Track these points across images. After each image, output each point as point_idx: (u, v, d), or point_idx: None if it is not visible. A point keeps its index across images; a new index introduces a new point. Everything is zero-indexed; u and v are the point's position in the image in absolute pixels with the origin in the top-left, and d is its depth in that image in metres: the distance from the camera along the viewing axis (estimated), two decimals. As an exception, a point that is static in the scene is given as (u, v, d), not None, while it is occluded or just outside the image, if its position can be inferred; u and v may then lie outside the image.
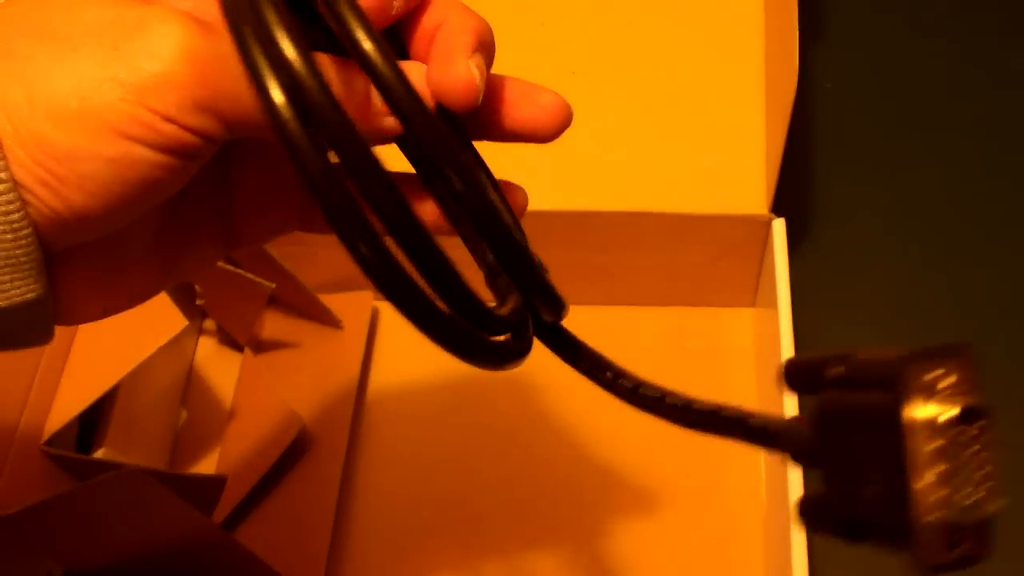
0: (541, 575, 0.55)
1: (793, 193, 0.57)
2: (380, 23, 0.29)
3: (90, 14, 0.27)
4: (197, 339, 0.63)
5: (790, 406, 0.50)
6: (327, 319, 0.59)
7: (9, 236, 0.26)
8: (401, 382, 0.61)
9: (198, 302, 0.61)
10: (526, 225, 0.56)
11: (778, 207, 0.55)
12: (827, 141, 0.67)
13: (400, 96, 0.27)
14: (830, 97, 0.68)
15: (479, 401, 0.59)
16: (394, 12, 0.30)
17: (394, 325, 0.62)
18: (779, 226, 0.55)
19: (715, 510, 0.56)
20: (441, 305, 0.28)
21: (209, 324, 0.63)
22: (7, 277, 0.27)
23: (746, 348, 0.60)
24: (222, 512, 0.53)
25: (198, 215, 0.32)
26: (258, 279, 0.53)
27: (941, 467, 0.26)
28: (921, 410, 0.26)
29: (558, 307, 0.33)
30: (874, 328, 0.61)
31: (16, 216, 0.26)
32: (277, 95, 0.25)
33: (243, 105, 0.27)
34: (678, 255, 0.58)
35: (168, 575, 0.50)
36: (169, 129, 0.26)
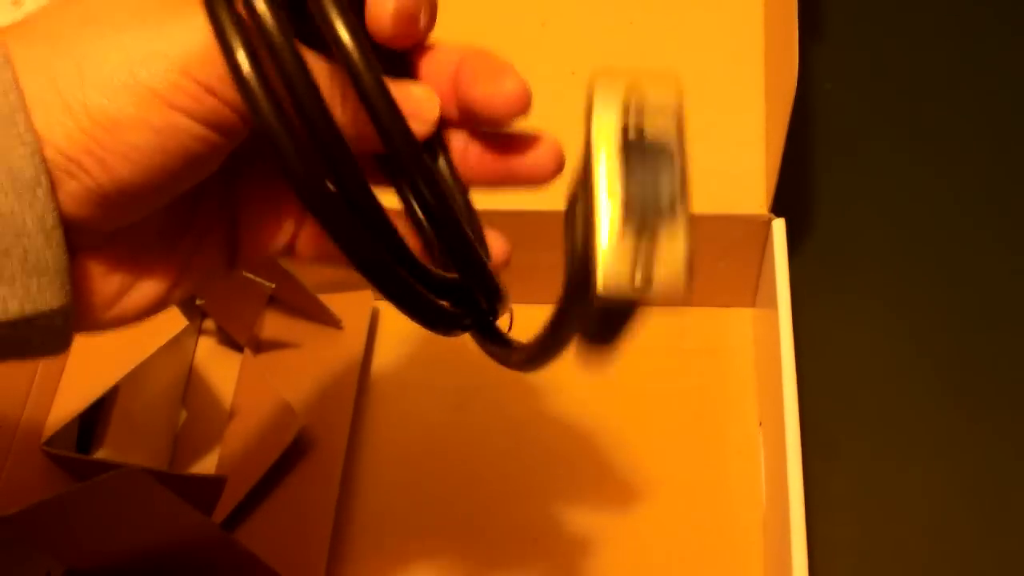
0: (541, 573, 0.55)
1: (793, 193, 0.57)
2: (408, 39, 0.31)
3: (134, 2, 0.28)
4: (197, 339, 0.63)
5: (790, 405, 0.50)
6: (327, 319, 0.59)
7: (41, 238, 0.27)
8: (401, 382, 0.61)
9: (198, 302, 0.61)
10: (528, 224, 0.56)
11: (778, 207, 0.55)
12: (826, 141, 0.67)
13: (369, 85, 0.28)
14: (830, 97, 0.68)
15: (478, 400, 0.59)
16: (421, 26, 0.31)
17: (394, 325, 0.62)
18: (779, 226, 0.55)
19: (714, 509, 0.56)
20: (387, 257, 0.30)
21: (209, 324, 0.63)
22: (34, 283, 0.27)
23: (746, 348, 0.60)
24: (222, 512, 0.53)
25: (208, 223, 0.33)
26: (258, 279, 0.53)
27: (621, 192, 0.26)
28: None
29: (497, 297, 0.35)
30: (873, 327, 0.61)
31: (51, 218, 0.27)
32: (241, 55, 0.27)
33: None
34: (678, 255, 0.58)
35: (168, 574, 0.50)
36: (211, 102, 0.28)
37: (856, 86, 0.69)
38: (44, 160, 0.27)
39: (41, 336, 0.29)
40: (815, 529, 0.49)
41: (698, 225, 0.56)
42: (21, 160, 0.26)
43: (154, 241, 0.32)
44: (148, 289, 0.32)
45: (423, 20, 0.31)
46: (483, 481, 0.58)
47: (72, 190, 0.27)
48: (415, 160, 0.30)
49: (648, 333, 0.59)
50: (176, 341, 0.53)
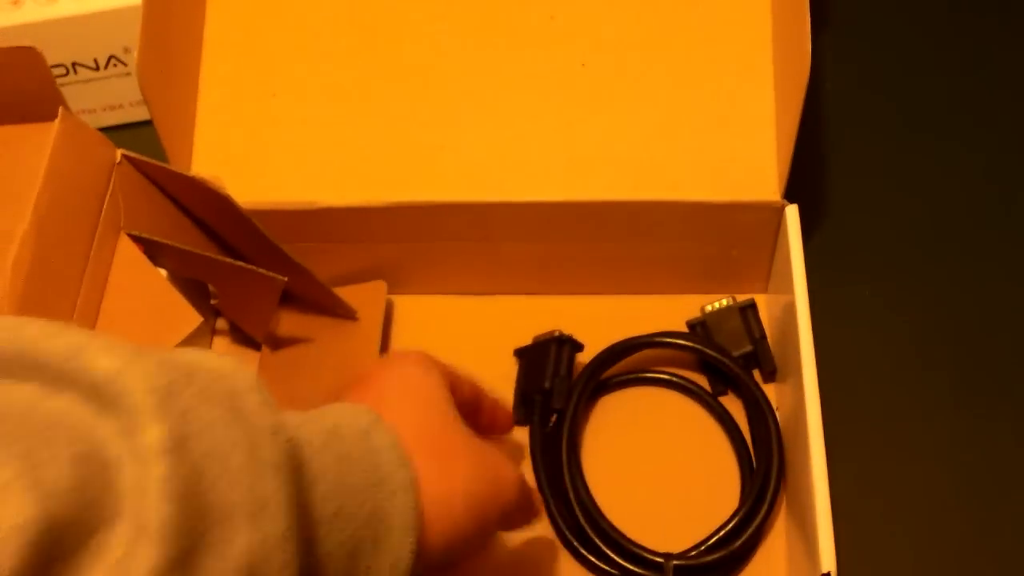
0: (546, 570, 0.55)
1: (806, 180, 0.57)
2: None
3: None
4: (211, 340, 0.63)
5: (811, 392, 0.50)
6: (342, 311, 0.59)
7: None
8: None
9: (212, 302, 0.61)
10: (540, 215, 0.56)
11: (791, 194, 0.55)
12: (838, 127, 0.67)
13: None
14: (840, 84, 0.68)
15: (496, 387, 0.59)
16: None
17: (409, 315, 0.62)
18: (792, 212, 0.55)
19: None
20: None
21: (222, 324, 0.63)
22: None
23: (760, 335, 0.60)
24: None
25: None
26: (270, 274, 0.53)
27: None
28: None
29: None
30: (880, 317, 0.61)
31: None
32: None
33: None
34: (691, 243, 0.58)
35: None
36: None
37: (865, 74, 0.69)
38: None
39: None
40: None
41: (711, 213, 0.57)
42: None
43: None
44: None
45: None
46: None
47: None
48: None
49: (661, 322, 0.60)
50: (189, 343, 0.53)
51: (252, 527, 0.28)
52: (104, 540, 0.25)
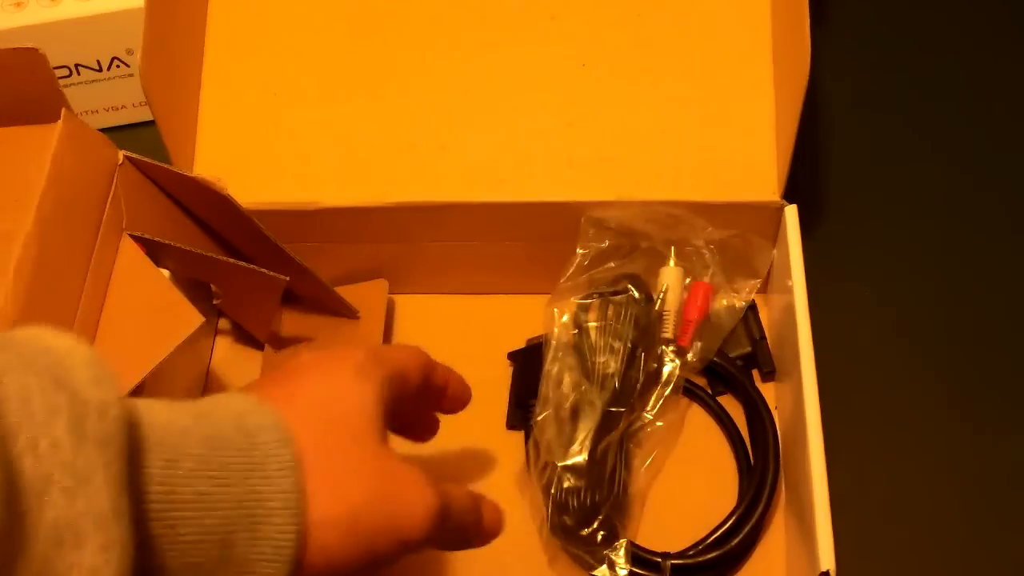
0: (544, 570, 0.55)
1: (805, 180, 0.57)
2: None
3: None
4: (213, 341, 0.63)
5: (810, 392, 0.50)
6: (344, 310, 0.59)
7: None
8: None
9: (214, 302, 0.61)
10: (539, 216, 0.57)
11: (791, 194, 0.55)
12: (838, 128, 0.67)
13: None
14: (839, 85, 0.68)
15: (496, 386, 0.59)
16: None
17: (410, 314, 0.63)
18: (791, 212, 0.55)
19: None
20: None
21: (224, 324, 0.63)
22: None
23: (760, 335, 0.60)
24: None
25: None
26: (272, 273, 0.53)
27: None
28: None
29: None
30: (880, 316, 0.61)
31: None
32: None
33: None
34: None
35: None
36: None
37: (865, 75, 0.69)
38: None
39: None
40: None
41: (710, 213, 0.57)
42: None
43: None
44: None
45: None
46: (502, 466, 0.58)
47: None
48: None
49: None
50: (191, 343, 0.53)
51: (68, 501, 0.27)
52: None
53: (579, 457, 0.53)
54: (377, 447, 0.39)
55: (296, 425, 0.36)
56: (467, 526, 0.42)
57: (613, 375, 0.54)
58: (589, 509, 0.52)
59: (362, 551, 0.37)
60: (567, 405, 0.54)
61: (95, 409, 0.28)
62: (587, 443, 0.53)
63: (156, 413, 0.33)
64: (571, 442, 0.53)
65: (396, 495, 0.38)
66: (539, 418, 0.54)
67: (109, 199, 0.52)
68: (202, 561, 0.32)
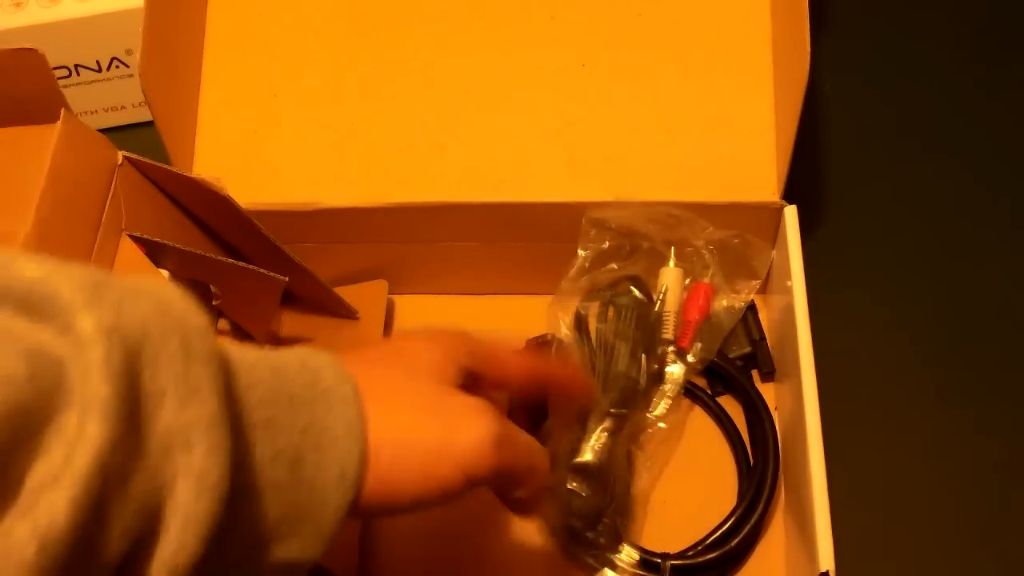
0: (543, 570, 0.55)
1: (805, 181, 0.57)
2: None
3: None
4: (213, 338, 0.63)
5: (809, 392, 0.50)
6: (344, 310, 0.59)
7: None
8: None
9: (214, 302, 0.61)
10: (540, 215, 0.57)
11: (790, 195, 0.55)
12: (837, 128, 0.67)
13: None
14: (839, 85, 0.68)
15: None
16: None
17: (410, 314, 0.63)
18: (791, 213, 0.55)
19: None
20: None
21: (223, 324, 0.63)
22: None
23: (760, 335, 0.60)
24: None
25: None
26: (271, 273, 0.53)
27: None
28: None
29: None
30: (879, 317, 0.61)
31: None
32: None
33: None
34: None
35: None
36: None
37: (864, 75, 0.69)
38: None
39: None
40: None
41: (710, 213, 0.57)
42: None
43: None
44: None
45: None
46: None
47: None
48: None
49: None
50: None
51: (180, 410, 0.29)
52: (62, 423, 0.26)
53: (584, 459, 0.53)
54: (437, 384, 0.39)
55: (356, 368, 0.37)
56: (523, 470, 0.41)
57: (617, 377, 0.54)
58: (594, 512, 0.52)
59: (416, 474, 0.37)
60: (571, 408, 0.54)
61: (196, 331, 0.31)
62: (592, 446, 0.53)
63: (230, 345, 0.35)
64: (576, 444, 0.53)
65: (452, 417, 0.38)
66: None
67: (108, 199, 0.52)
68: (278, 481, 0.34)
